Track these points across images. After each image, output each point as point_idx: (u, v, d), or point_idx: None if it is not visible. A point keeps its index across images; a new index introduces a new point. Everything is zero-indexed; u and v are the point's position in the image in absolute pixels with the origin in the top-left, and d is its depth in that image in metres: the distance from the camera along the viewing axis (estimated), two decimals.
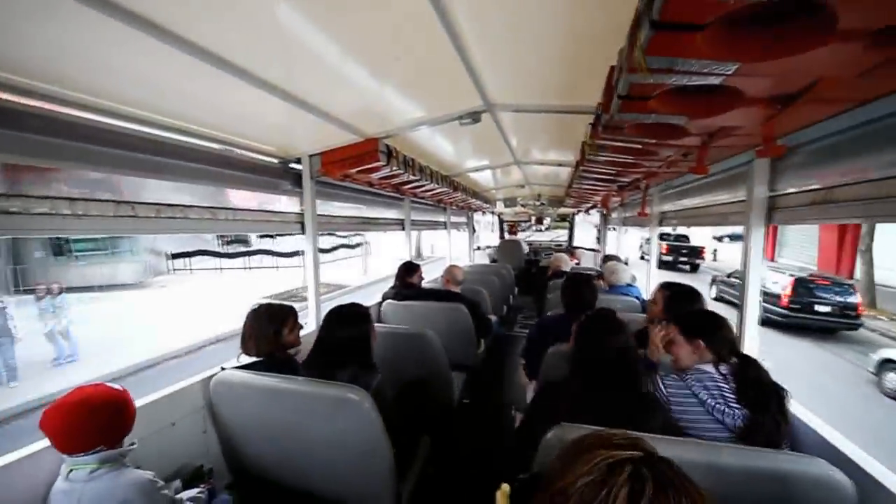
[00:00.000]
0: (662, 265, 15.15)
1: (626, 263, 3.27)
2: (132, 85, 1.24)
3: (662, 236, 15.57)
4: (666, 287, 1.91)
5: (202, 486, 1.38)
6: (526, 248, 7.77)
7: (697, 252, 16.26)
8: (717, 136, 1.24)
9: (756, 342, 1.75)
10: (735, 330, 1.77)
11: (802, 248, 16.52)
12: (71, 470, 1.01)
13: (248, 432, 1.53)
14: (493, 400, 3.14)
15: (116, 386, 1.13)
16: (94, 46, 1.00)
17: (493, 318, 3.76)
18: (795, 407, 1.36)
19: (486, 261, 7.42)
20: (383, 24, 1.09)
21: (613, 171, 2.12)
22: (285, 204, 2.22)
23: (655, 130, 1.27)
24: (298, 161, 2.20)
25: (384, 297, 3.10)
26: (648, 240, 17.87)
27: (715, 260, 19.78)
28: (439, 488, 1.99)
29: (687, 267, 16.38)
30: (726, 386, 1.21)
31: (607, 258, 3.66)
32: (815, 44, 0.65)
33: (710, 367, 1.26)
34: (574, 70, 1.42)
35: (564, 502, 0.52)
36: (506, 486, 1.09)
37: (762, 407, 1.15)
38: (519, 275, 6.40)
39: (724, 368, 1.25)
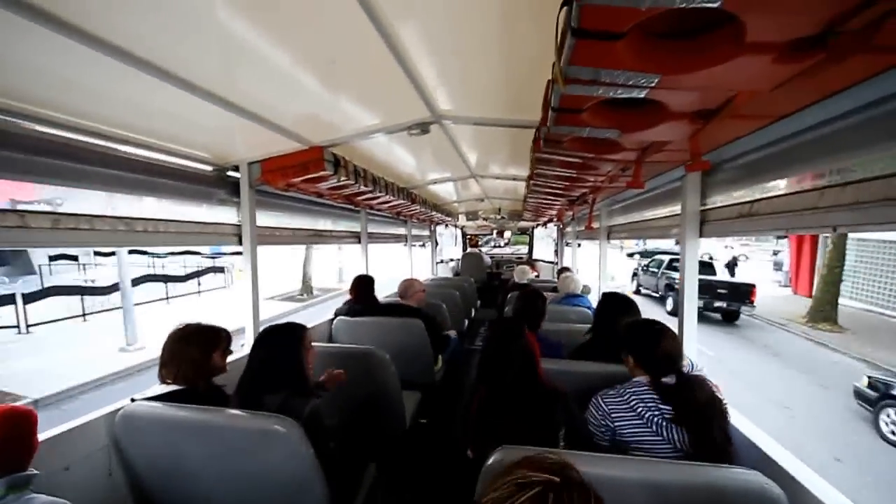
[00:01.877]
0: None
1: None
2: (40, 83, 1.10)
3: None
4: (602, 296, 1.96)
5: None
6: (488, 261, 7.83)
7: (743, 293, 9.75)
8: (649, 151, 1.28)
9: (694, 351, 1.81)
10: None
11: (869, 279, 11.29)
12: None
13: (162, 473, 1.34)
14: (452, 418, 3.05)
15: (20, 405, 1.04)
16: None
17: (453, 333, 3.70)
18: (735, 418, 1.38)
19: (450, 274, 7.40)
20: (318, 27, 1.04)
21: (561, 186, 2.17)
22: (220, 214, 2.05)
23: (592, 145, 1.29)
24: (236, 169, 2.05)
25: (336, 314, 2.95)
26: (647, 267, 13.84)
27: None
28: None
29: (718, 314, 10.18)
30: (665, 406, 1.17)
31: (562, 270, 3.75)
32: (727, 56, 0.67)
33: (644, 379, 1.23)
34: (517, 85, 1.44)
35: None
36: None
37: (704, 430, 1.12)
38: (481, 287, 6.41)
39: (663, 380, 1.20)
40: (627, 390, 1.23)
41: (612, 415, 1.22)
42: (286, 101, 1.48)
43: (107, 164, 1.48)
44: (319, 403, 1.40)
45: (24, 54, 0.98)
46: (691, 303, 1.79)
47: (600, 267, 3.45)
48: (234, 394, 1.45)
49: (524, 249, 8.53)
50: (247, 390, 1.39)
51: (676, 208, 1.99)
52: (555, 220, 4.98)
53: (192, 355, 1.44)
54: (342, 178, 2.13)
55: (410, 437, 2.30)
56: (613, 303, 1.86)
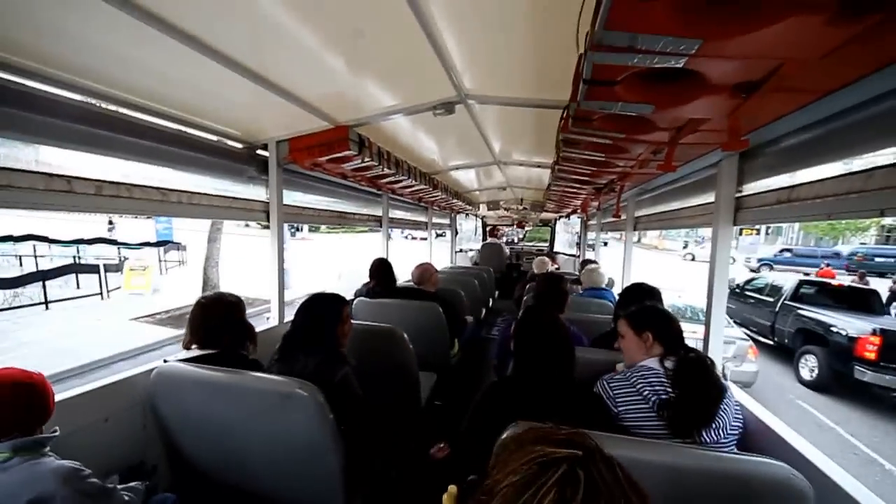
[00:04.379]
0: None
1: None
2: (82, 51, 1.16)
3: None
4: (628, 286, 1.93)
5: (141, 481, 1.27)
6: (508, 252, 7.77)
7: None
8: (684, 132, 1.22)
9: (720, 350, 1.75)
10: (702, 338, 1.78)
11: None
12: None
13: (191, 429, 1.42)
14: (465, 402, 3.08)
15: (30, 369, 1.04)
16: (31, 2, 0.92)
17: (470, 318, 3.71)
18: (755, 408, 1.35)
19: (468, 264, 7.39)
20: (350, 2, 1.04)
21: (588, 172, 2.11)
22: (250, 191, 2.11)
23: (624, 124, 1.25)
24: (265, 147, 2.10)
25: (356, 295, 3.01)
26: (747, 291, 6.84)
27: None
28: (396, 491, 1.91)
29: None
30: (668, 382, 1.19)
31: (585, 262, 3.67)
32: (776, 17, 0.63)
33: (655, 363, 1.24)
34: (546, 62, 1.40)
35: (488, 502, 0.45)
36: (453, 488, 1.02)
37: (703, 410, 1.12)
38: (500, 278, 6.38)
39: (669, 363, 1.22)
40: (634, 374, 1.25)
41: (617, 399, 1.23)
42: (313, 76, 1.50)
43: (142, 136, 1.54)
44: (350, 371, 1.48)
45: (57, 18, 1.00)
46: (720, 300, 1.72)
47: (625, 260, 3.36)
48: (277, 350, 1.56)
49: (541, 244, 8.41)
50: (286, 348, 1.51)
51: (708, 198, 1.91)
52: (579, 211, 4.87)
53: (217, 321, 1.51)
54: (366, 159, 2.15)
55: (425, 417, 2.33)
56: (638, 292, 1.83)
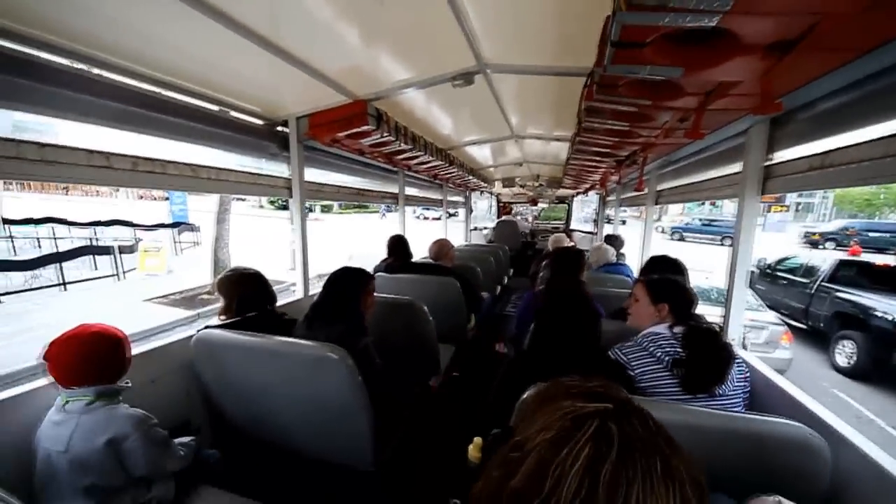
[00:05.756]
0: None
1: None
2: (115, 30, 1.18)
3: None
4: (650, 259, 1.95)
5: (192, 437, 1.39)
6: (525, 229, 7.74)
7: None
8: (713, 96, 1.19)
9: (740, 323, 1.74)
10: (722, 313, 1.78)
11: None
12: (66, 402, 1.06)
13: (230, 391, 1.52)
14: (482, 373, 3.17)
15: (112, 327, 1.18)
16: None
17: (486, 295, 3.76)
18: (767, 370, 1.38)
19: (483, 241, 7.40)
20: None
21: (610, 143, 2.07)
22: (273, 167, 2.16)
23: (650, 89, 1.21)
24: (285, 124, 2.13)
25: (375, 271, 3.08)
26: (776, 271, 6.12)
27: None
28: (420, 449, 2.02)
29: None
30: (678, 344, 1.24)
31: (609, 238, 3.64)
32: None
33: (663, 329, 1.30)
34: (570, 27, 1.37)
35: (523, 459, 0.44)
36: (478, 440, 1.09)
37: (715, 371, 1.17)
38: (515, 256, 6.38)
39: (677, 329, 1.28)
40: (644, 339, 1.31)
41: (633, 363, 1.27)
42: (331, 47, 1.49)
43: (170, 112, 1.57)
44: (370, 342, 1.54)
45: None
46: (743, 272, 1.70)
47: (645, 234, 3.32)
48: (302, 320, 1.64)
49: (556, 223, 8.31)
50: (314, 317, 1.58)
51: (734, 167, 1.86)
52: (597, 186, 4.78)
53: (246, 292, 1.62)
54: (384, 134, 2.16)
55: (444, 388, 2.42)
56: (662, 265, 1.83)
